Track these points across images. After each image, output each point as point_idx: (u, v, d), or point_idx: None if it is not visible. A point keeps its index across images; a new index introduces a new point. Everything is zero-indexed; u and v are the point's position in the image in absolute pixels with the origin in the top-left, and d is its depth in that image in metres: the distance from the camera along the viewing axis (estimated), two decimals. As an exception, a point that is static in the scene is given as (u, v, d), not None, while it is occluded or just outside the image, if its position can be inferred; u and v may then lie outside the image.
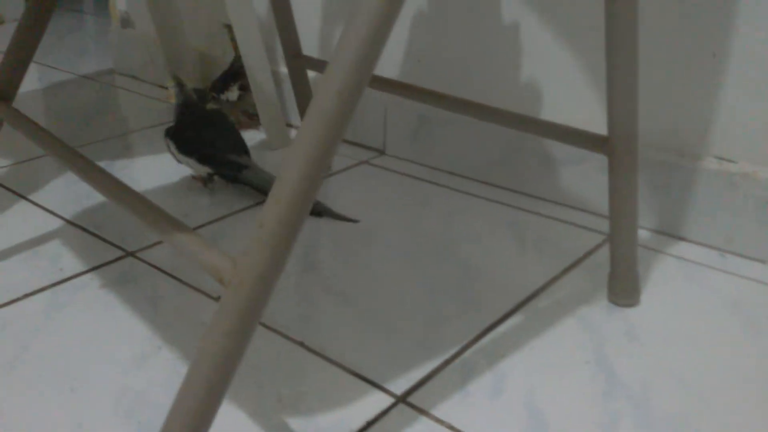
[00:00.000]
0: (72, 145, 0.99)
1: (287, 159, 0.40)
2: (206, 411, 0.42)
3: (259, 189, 0.95)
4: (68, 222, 0.89)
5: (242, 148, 0.98)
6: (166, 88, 1.37)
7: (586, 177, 0.90)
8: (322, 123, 0.40)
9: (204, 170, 0.97)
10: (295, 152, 0.40)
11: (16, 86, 0.75)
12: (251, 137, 1.18)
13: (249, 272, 0.40)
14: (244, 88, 1.14)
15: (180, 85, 1.04)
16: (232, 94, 1.14)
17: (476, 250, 0.83)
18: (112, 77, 1.54)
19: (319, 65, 0.97)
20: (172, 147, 0.99)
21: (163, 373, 0.62)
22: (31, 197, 0.97)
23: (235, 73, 1.15)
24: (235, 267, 0.41)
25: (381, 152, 1.11)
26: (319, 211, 0.92)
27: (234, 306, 0.41)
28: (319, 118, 0.39)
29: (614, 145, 0.66)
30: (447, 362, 0.64)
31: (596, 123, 0.88)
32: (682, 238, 0.84)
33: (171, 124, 1.01)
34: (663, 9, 0.80)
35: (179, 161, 0.99)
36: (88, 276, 0.77)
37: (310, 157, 0.40)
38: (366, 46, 0.39)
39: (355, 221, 0.90)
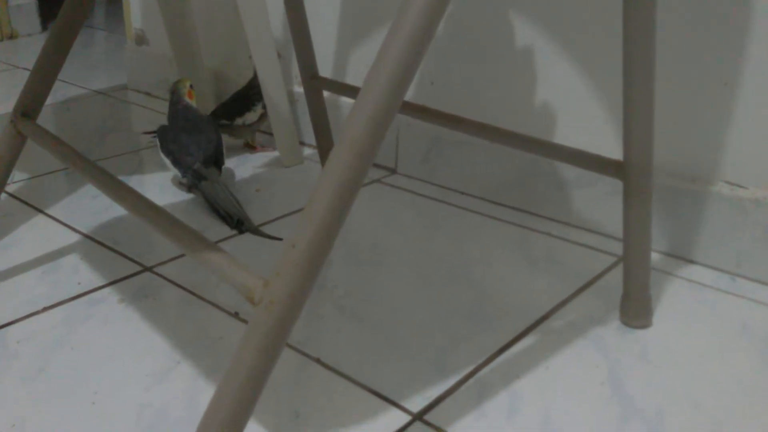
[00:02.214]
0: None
1: (319, 182, 0.42)
2: (235, 427, 0.43)
3: (210, 203, 0.97)
4: (85, 236, 0.91)
5: (214, 160, 1.01)
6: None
7: (597, 199, 0.91)
8: (353, 148, 0.41)
9: (176, 172, 1.02)
10: (327, 175, 0.41)
11: (41, 104, 0.76)
12: (265, 155, 1.19)
13: (280, 292, 0.41)
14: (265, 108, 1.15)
15: (174, 90, 1.10)
16: (254, 114, 1.15)
17: (488, 270, 0.84)
18: (126, 93, 1.56)
19: (335, 86, 0.98)
20: (158, 143, 1.05)
21: (183, 388, 0.63)
22: (48, 211, 0.98)
23: (251, 95, 1.16)
24: (267, 286, 0.42)
25: (393, 171, 1.12)
26: (243, 227, 0.93)
27: (265, 325, 0.42)
28: (351, 143, 0.41)
29: (629, 170, 0.67)
30: (462, 381, 0.65)
31: (609, 147, 0.89)
32: (692, 262, 0.85)
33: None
34: (675, 37, 0.81)
35: (162, 158, 1.04)
36: (106, 290, 0.78)
37: (342, 181, 0.41)
38: (398, 75, 0.40)
39: (278, 239, 0.91)
